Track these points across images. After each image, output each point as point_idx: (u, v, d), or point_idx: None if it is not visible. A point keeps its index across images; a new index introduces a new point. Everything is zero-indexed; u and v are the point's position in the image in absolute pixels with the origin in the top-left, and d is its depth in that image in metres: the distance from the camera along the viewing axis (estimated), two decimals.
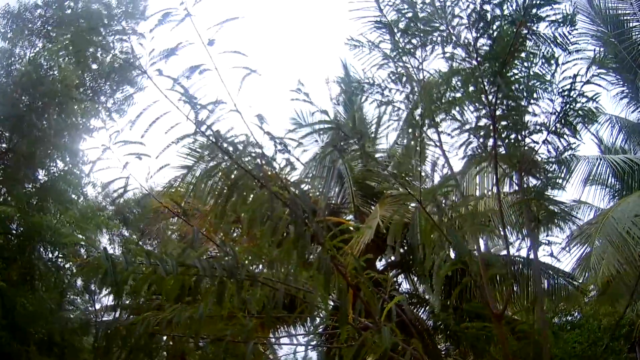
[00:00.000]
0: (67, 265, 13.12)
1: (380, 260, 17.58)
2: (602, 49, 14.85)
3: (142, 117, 5.41)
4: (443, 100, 8.68)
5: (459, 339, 15.46)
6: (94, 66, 20.17)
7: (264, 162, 5.61)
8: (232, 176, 5.64)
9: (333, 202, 17.46)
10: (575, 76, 8.50)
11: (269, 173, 5.89)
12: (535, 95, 8.65)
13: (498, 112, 8.38)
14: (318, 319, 9.91)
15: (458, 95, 8.83)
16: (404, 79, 9.34)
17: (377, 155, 17.73)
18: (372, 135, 18.08)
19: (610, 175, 18.19)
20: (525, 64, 8.53)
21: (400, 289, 18.41)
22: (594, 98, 8.61)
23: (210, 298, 5.94)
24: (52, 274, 11.75)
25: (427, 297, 18.42)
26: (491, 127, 8.42)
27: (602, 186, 18.70)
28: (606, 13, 18.79)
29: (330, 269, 5.55)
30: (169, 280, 5.60)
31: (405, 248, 16.98)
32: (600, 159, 18.25)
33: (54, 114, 16.66)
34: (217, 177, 5.81)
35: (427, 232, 7.23)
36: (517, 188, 9.03)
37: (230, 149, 5.49)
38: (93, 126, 17.72)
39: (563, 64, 8.60)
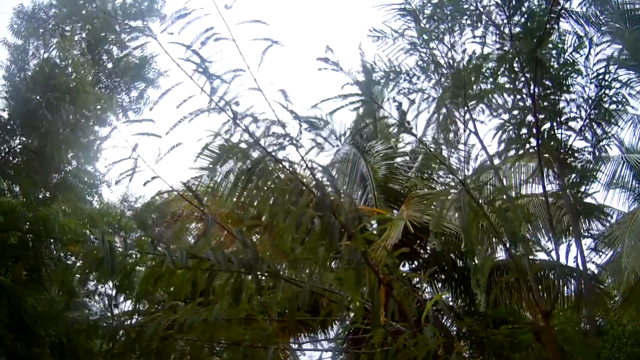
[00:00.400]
0: (78, 264, 12.67)
1: (403, 265, 16.92)
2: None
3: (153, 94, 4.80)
4: (474, 88, 8.17)
5: (485, 345, 14.77)
6: (110, 65, 19.86)
7: (287, 143, 4.97)
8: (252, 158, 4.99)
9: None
10: (609, 57, 8.00)
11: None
12: (568, 82, 8.16)
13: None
14: (345, 322, 9.21)
15: (491, 82, 8.34)
16: (432, 65, 8.86)
17: (400, 160, 17.17)
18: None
19: (632, 178, 17.55)
20: (555, 51, 8.04)
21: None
22: (628, 83, 8.12)
23: (226, 298, 5.30)
24: (60, 273, 11.29)
25: (451, 303, 17.75)
26: (529, 114, 7.86)
27: (623, 189, 18.04)
28: (624, 8, 18.02)
29: (361, 264, 4.89)
30: (179, 276, 4.97)
31: (430, 253, 16.35)
32: (624, 160, 17.59)
33: (69, 113, 16.30)
34: (235, 159, 5.13)
35: (471, 220, 6.55)
36: (553, 181, 8.48)
37: (252, 127, 4.85)
38: (109, 121, 17.40)
39: (597, 45, 8.10)
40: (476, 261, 7.18)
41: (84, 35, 19.84)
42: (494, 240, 7.02)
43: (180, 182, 5.17)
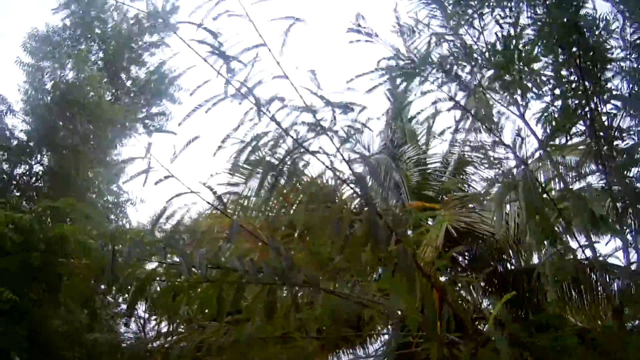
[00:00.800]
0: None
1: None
2: None
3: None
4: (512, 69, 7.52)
5: (529, 352, 13.88)
6: (128, 83, 19.57)
7: (320, 131, 4.26)
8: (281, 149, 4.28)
9: None
10: None
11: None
12: (607, 55, 7.47)
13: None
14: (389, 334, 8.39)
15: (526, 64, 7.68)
16: (465, 52, 8.20)
17: (432, 163, 16.51)
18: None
19: None
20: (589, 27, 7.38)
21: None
22: None
23: (258, 314, 4.62)
24: (81, 293, 10.75)
25: (490, 312, 16.84)
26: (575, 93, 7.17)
27: None
28: None
29: (413, 268, 4.18)
30: (202, 290, 4.28)
31: (469, 259, 15.58)
32: None
33: (88, 132, 15.97)
34: (261, 152, 4.39)
35: (534, 207, 5.77)
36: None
37: (279, 114, 4.14)
38: (130, 138, 17.07)
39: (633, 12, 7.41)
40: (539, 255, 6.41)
41: (100, 55, 19.60)
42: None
43: (201, 184, 4.49)
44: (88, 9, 19.07)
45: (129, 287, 4.92)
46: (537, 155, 7.00)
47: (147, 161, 4.31)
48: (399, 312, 4.59)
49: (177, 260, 4.43)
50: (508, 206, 10.22)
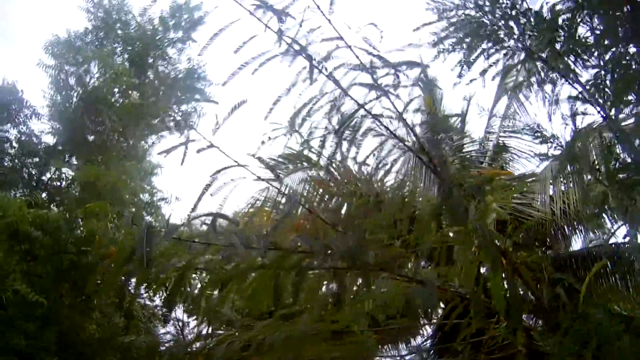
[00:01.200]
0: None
1: None
2: None
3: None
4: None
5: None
6: (156, 82, 19.17)
7: (381, 93, 3.70)
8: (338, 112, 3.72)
9: None
10: None
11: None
12: None
13: None
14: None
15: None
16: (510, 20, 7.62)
17: (470, 148, 15.94)
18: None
19: None
20: None
21: None
22: None
23: (318, 303, 4.07)
24: (113, 286, 10.18)
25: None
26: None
27: None
28: None
29: (495, 243, 3.61)
30: (255, 279, 3.69)
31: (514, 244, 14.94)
32: None
33: (117, 132, 15.64)
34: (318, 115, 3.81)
35: (613, 171, 5.11)
36: None
37: (337, 73, 3.59)
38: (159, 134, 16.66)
39: None
40: None
41: (125, 56, 19.26)
42: None
43: (250, 155, 3.92)
44: (110, 11, 18.77)
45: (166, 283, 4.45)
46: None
47: (186, 133, 3.81)
48: (481, 295, 3.99)
49: (222, 249, 3.90)
50: (551, 190, 9.74)
